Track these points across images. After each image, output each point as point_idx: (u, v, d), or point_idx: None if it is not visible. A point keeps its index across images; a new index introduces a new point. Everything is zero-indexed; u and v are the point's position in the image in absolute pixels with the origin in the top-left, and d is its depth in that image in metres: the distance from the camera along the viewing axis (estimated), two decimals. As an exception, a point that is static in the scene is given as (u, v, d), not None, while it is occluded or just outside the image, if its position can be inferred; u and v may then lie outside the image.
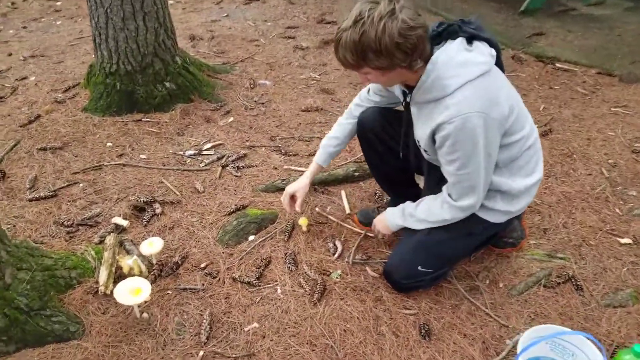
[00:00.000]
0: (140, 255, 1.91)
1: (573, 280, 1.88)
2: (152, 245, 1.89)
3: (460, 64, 1.41)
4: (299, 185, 2.00)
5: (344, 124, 1.97)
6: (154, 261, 1.94)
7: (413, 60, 1.38)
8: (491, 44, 1.50)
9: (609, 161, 2.54)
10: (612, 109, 3.04)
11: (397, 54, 1.34)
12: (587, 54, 3.80)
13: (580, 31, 4.27)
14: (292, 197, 2.02)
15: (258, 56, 3.99)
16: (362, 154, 2.09)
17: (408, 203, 1.77)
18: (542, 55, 3.84)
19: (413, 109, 1.59)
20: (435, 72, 1.41)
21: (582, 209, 2.23)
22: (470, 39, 1.46)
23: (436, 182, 1.77)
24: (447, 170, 1.54)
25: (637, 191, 2.32)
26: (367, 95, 1.90)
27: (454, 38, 1.44)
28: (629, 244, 2.05)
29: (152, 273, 1.89)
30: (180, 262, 1.95)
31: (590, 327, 1.70)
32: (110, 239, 2.00)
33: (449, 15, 4.70)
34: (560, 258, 1.98)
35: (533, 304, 1.80)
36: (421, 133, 1.56)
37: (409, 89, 1.58)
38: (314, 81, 3.58)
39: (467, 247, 1.85)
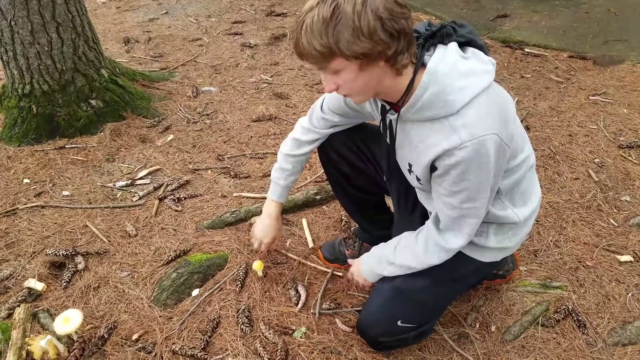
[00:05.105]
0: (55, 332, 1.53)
1: (574, 314, 1.62)
2: (68, 322, 1.51)
3: (464, 75, 1.09)
4: (271, 231, 1.69)
5: (290, 159, 1.60)
6: (75, 337, 1.57)
7: (399, 52, 1.03)
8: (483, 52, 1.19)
9: (595, 160, 2.30)
10: (591, 97, 2.81)
11: (380, 34, 0.99)
12: (557, 36, 3.56)
13: (546, 10, 4.03)
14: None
15: (201, 58, 3.58)
16: (323, 170, 1.73)
17: (382, 246, 1.45)
18: (509, 39, 3.58)
19: (400, 130, 1.25)
20: (436, 85, 1.08)
21: (573, 221, 1.97)
22: (463, 45, 1.15)
23: (411, 207, 1.49)
24: (446, 202, 1.22)
25: (631, 196, 2.08)
26: (321, 114, 1.50)
27: (445, 43, 1.12)
28: (630, 261, 1.81)
29: (72, 354, 1.52)
30: (107, 336, 1.58)
31: (600, 376, 1.45)
32: (20, 313, 1.63)
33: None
34: (557, 287, 1.72)
35: (532, 349, 1.53)
36: (414, 158, 1.24)
37: (390, 104, 1.23)
38: (266, 84, 3.21)
39: (456, 293, 1.56)
